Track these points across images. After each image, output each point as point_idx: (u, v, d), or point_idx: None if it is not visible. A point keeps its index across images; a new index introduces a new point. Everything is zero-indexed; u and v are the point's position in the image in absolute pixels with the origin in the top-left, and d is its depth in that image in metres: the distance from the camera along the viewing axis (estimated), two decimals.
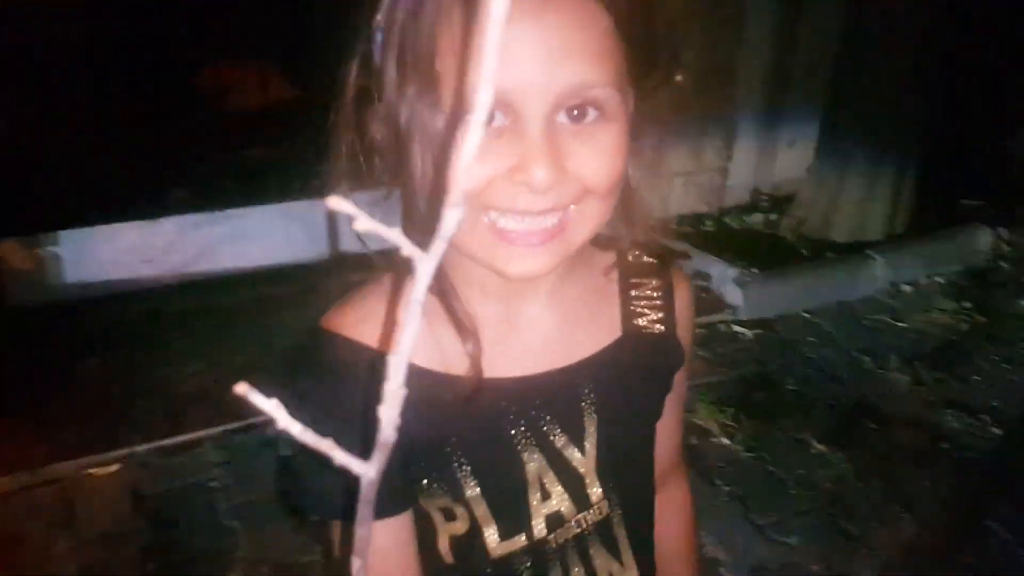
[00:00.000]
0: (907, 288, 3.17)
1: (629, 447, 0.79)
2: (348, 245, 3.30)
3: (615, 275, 0.78)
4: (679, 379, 0.83)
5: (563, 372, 0.74)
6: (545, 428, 0.73)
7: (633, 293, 0.78)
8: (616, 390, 0.76)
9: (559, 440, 0.74)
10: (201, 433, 2.36)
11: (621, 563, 0.80)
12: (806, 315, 3.04)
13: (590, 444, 0.75)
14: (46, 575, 1.93)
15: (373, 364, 0.65)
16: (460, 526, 0.75)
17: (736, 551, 2.00)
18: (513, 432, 0.73)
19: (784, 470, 2.28)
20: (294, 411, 0.54)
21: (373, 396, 0.48)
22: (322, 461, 0.60)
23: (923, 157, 3.32)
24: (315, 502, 0.74)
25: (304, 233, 3.32)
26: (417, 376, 0.65)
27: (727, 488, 2.22)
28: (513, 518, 0.74)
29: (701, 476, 2.27)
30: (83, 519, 2.07)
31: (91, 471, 2.21)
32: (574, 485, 0.75)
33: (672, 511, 0.90)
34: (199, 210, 3.32)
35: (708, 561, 1.95)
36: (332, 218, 3.30)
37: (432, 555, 0.77)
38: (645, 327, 0.77)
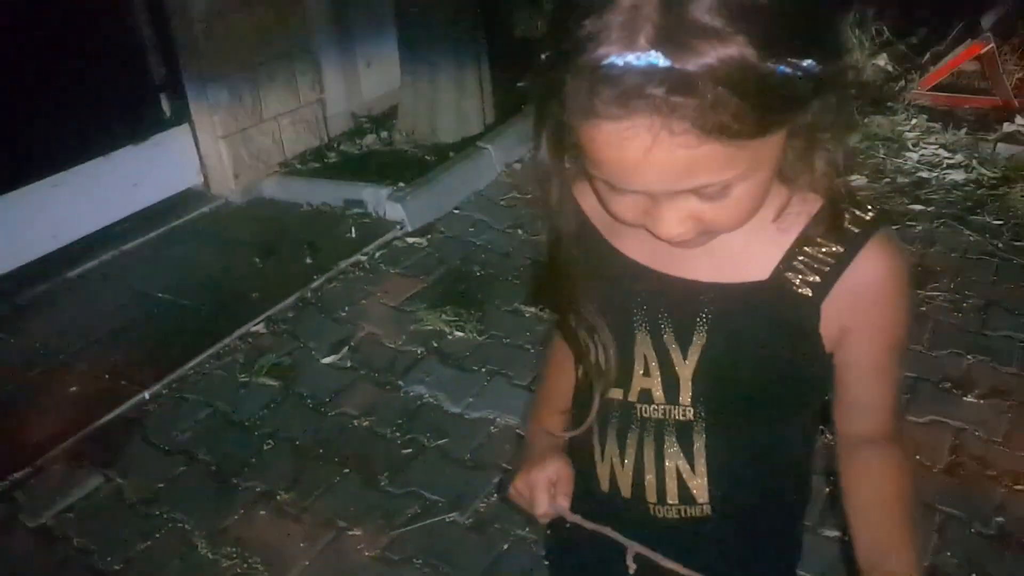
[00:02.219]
0: (518, 165, 3.71)
1: (734, 377, 0.82)
2: None
3: (800, 224, 0.78)
4: (866, 356, 0.82)
5: (689, 285, 0.80)
6: (660, 320, 0.83)
7: (806, 248, 0.78)
8: (736, 323, 0.80)
9: (668, 336, 0.83)
10: None
11: (692, 468, 0.86)
12: (456, 211, 3.40)
13: (693, 354, 0.82)
14: None
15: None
16: (591, 360, 0.87)
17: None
18: (634, 310, 0.84)
19: (516, 338, 2.64)
20: None
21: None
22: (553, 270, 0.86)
23: (489, 51, 3.79)
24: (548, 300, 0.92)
25: None
26: (592, 235, 0.85)
27: (484, 368, 2.52)
28: (621, 373, 0.86)
29: (456, 366, 2.54)
30: None
31: None
32: (669, 379, 0.84)
33: (871, 475, 0.87)
34: None
35: None
36: None
37: (577, 375, 0.95)
38: (792, 282, 0.78)
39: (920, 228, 3.20)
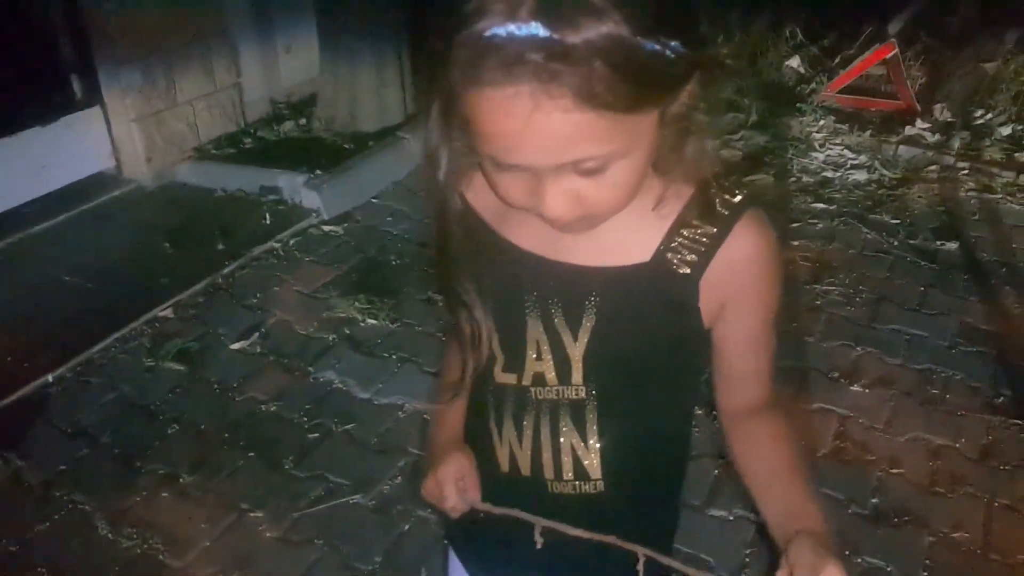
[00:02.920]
0: None
1: (622, 355, 0.88)
2: None
3: (676, 209, 0.83)
4: (743, 328, 0.88)
5: (578, 269, 0.85)
6: (551, 306, 0.87)
7: (683, 231, 0.83)
8: (623, 304, 0.85)
9: (559, 320, 0.87)
10: None
11: (586, 445, 0.91)
12: (375, 200, 3.41)
13: (583, 336, 0.86)
14: None
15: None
16: (484, 350, 0.91)
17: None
18: (525, 297, 0.87)
19: (428, 326, 2.68)
20: None
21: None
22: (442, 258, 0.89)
23: (411, 39, 3.80)
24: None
25: None
26: (479, 225, 0.89)
27: (395, 355, 2.56)
28: (513, 359, 0.90)
29: (367, 353, 2.57)
30: None
31: None
32: (561, 361, 0.88)
33: (762, 446, 0.91)
34: None
35: None
36: None
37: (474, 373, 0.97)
38: (672, 262, 0.83)
39: (821, 226, 3.34)
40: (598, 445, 0.91)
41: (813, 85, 4.44)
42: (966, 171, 3.83)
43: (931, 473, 2.22)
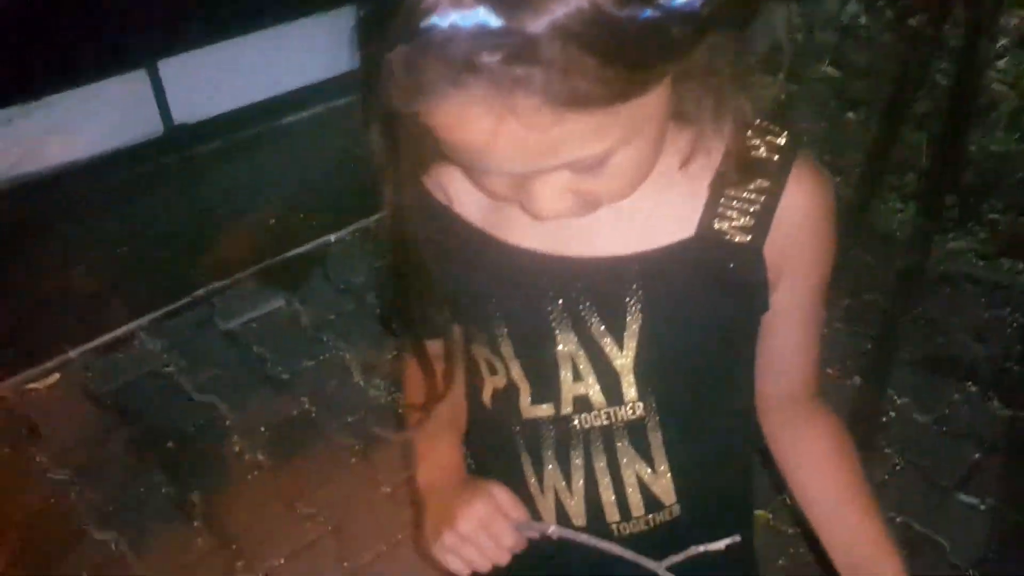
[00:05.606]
0: None
1: (681, 356, 0.72)
2: (183, 116, 3.11)
3: (712, 169, 0.67)
4: (798, 299, 0.73)
5: (609, 261, 0.68)
6: (583, 313, 0.70)
7: (728, 191, 0.68)
8: (672, 294, 0.69)
9: (596, 329, 0.70)
10: (132, 325, 2.26)
11: (653, 470, 0.76)
12: None
13: (631, 343, 0.70)
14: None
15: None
16: (499, 380, 0.76)
17: None
18: (549, 308, 0.70)
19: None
20: None
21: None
22: (394, 283, 0.72)
23: None
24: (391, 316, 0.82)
25: (132, 112, 3.06)
26: (469, 232, 0.71)
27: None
28: (543, 386, 0.74)
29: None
30: (49, 434, 1.98)
31: (31, 386, 2.08)
32: (607, 377, 0.72)
33: (820, 454, 0.77)
34: (7, 102, 2.96)
35: None
36: (161, 89, 3.07)
37: (478, 403, 0.81)
38: (725, 232, 0.68)
39: None
40: (667, 466, 0.76)
41: None
42: None
43: None
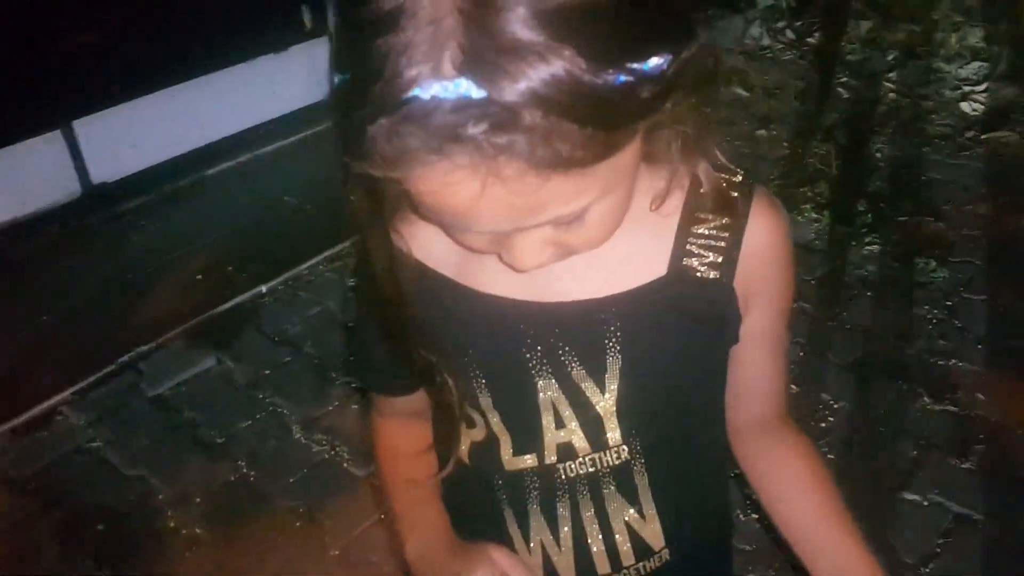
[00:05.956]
0: None
1: (662, 394, 0.73)
2: (101, 176, 3.01)
3: (679, 208, 0.69)
4: (766, 326, 0.74)
5: (586, 304, 0.69)
6: (563, 358, 0.70)
7: (694, 229, 0.69)
8: (649, 332, 0.70)
9: (577, 373, 0.70)
10: (53, 400, 2.15)
11: (641, 515, 0.76)
12: None
13: (612, 385, 0.70)
14: None
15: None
16: (478, 433, 0.75)
17: None
18: (528, 355, 0.70)
19: None
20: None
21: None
22: (365, 340, 0.72)
23: None
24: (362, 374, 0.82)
25: (49, 174, 2.94)
26: (440, 284, 0.70)
27: None
28: (525, 436, 0.73)
29: None
30: None
31: None
32: (590, 422, 0.72)
33: (794, 478, 0.76)
34: None
35: None
36: (77, 150, 2.96)
37: (455, 461, 0.78)
38: (695, 269, 0.69)
39: None
40: (655, 510, 0.75)
41: None
42: None
43: None
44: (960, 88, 3.56)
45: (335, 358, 2.33)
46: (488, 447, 0.75)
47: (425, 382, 0.76)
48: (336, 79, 0.50)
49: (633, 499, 0.75)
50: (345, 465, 2.02)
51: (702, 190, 0.68)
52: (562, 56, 0.44)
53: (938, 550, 1.77)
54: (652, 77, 0.48)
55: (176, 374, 2.29)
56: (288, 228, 2.90)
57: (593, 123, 0.47)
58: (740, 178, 0.69)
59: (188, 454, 2.07)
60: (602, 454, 0.72)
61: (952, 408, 2.08)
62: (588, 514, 0.74)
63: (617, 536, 0.75)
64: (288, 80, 3.49)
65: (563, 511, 0.75)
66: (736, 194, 0.69)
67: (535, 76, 0.44)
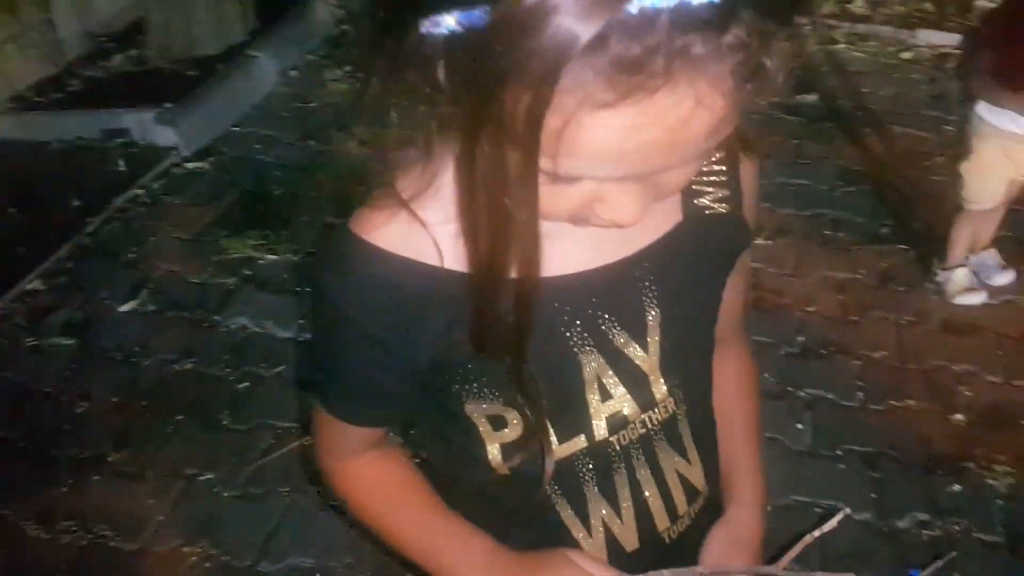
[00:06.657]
0: (295, 72, 3.49)
1: (695, 338, 0.74)
2: None
3: None
4: (745, 253, 0.76)
5: (620, 265, 0.66)
6: (603, 327, 0.67)
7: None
8: (679, 278, 0.69)
9: (619, 339, 0.68)
10: None
11: (687, 460, 0.76)
12: (237, 129, 3.15)
13: (653, 339, 0.69)
14: None
15: (398, 269, 0.62)
16: (511, 433, 0.70)
17: None
18: (568, 333, 0.67)
19: None
20: (315, 306, 0.67)
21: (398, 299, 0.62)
22: (323, 353, 0.70)
23: None
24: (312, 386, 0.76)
25: None
26: (460, 282, 0.60)
27: (306, 287, 2.41)
28: (571, 419, 0.70)
29: (275, 291, 2.42)
30: None
31: None
32: (637, 385, 0.70)
33: (729, 375, 0.82)
34: None
35: None
36: None
37: (480, 471, 0.73)
38: (708, 207, 0.69)
39: None
40: (696, 453, 0.77)
41: None
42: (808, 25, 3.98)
43: (842, 305, 2.38)
44: None
45: (45, 434, 2.00)
46: (528, 444, 0.69)
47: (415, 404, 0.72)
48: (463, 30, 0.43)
49: (679, 447, 0.75)
50: (112, 544, 1.76)
51: None
52: None
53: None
54: None
55: None
56: None
57: (781, 22, 0.46)
58: None
59: None
60: (651, 413, 0.72)
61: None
62: (645, 474, 0.74)
63: (672, 488, 0.76)
64: None
65: (619, 481, 0.73)
66: None
67: None
